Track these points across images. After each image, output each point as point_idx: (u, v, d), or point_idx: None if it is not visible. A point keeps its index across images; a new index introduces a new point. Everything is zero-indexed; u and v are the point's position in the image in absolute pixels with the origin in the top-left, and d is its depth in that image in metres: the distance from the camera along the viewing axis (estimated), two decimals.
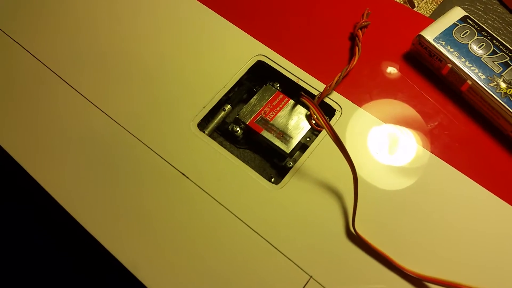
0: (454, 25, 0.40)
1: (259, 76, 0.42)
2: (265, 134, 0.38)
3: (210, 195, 0.35)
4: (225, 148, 0.38)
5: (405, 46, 0.42)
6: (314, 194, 0.35)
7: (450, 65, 0.38)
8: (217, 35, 0.43)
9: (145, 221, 0.34)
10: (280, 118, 0.39)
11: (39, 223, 0.49)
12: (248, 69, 0.41)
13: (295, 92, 0.39)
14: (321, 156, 0.37)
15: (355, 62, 0.40)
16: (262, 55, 0.41)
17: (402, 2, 0.52)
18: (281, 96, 0.40)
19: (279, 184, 0.36)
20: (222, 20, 0.43)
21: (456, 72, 0.38)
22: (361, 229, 0.33)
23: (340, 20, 0.43)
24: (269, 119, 0.39)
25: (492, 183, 0.35)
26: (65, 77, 0.40)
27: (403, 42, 0.42)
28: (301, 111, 0.39)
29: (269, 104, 0.39)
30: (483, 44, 0.39)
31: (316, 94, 0.39)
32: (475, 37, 0.39)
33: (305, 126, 0.38)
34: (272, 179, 0.37)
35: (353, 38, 0.42)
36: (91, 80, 0.40)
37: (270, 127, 0.38)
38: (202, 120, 0.39)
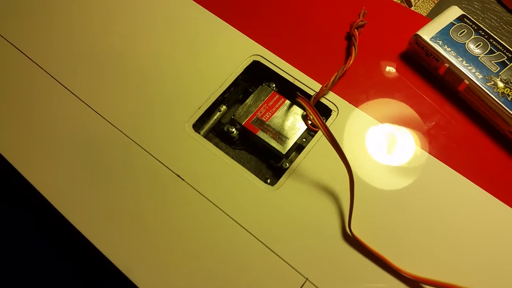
0: (451, 24, 0.39)
1: (255, 76, 0.41)
2: (261, 134, 0.38)
3: (205, 197, 0.35)
4: (220, 149, 0.38)
5: (402, 45, 0.41)
6: (310, 196, 0.35)
7: (447, 65, 0.38)
8: (212, 35, 0.42)
9: (139, 222, 0.34)
10: (276, 119, 0.38)
11: (34, 226, 0.48)
12: (244, 69, 0.41)
13: (291, 92, 0.38)
14: (317, 157, 0.36)
15: (351, 62, 0.39)
16: (258, 55, 0.41)
17: (399, 1, 0.52)
18: (277, 96, 0.39)
19: (275, 186, 0.35)
20: (218, 20, 0.43)
21: (453, 71, 0.38)
22: (358, 230, 0.33)
23: (337, 20, 0.43)
24: (265, 120, 0.38)
25: (489, 183, 0.35)
26: (59, 77, 0.40)
27: (400, 41, 0.41)
28: (297, 111, 0.39)
29: (265, 104, 0.39)
30: (480, 43, 0.38)
31: (312, 94, 0.39)
32: (472, 36, 0.39)
33: (301, 127, 0.38)
34: (268, 180, 0.37)
35: (349, 37, 0.42)
36: (85, 80, 0.40)
37: (266, 128, 0.38)
38: (197, 121, 0.38)
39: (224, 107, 0.40)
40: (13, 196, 0.49)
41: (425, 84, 0.40)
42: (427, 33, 0.39)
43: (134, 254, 0.33)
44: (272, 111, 0.39)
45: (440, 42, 0.39)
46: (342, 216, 0.34)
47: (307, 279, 0.32)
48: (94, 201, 0.35)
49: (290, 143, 0.37)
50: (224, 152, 0.37)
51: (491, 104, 0.36)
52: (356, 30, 0.41)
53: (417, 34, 0.39)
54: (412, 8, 0.53)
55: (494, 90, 0.36)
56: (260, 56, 0.41)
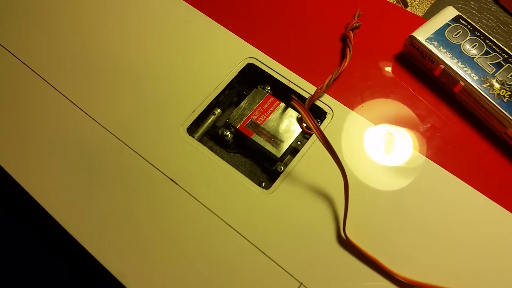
0: (447, 25, 0.39)
1: (250, 79, 0.41)
2: (256, 138, 0.38)
3: (199, 202, 0.35)
4: (215, 152, 0.37)
5: (398, 47, 0.41)
6: (305, 199, 0.34)
7: (442, 66, 0.38)
8: (206, 37, 0.42)
9: (133, 227, 0.34)
10: (270, 122, 0.38)
11: (29, 230, 0.48)
12: (239, 72, 0.40)
13: (286, 95, 0.38)
14: (312, 160, 0.36)
15: (346, 64, 0.39)
16: (252, 57, 0.41)
17: (395, 2, 0.52)
18: (272, 99, 0.39)
19: (270, 189, 0.35)
20: (212, 22, 0.43)
21: (448, 73, 0.38)
22: (352, 234, 0.33)
23: (331, 21, 0.43)
24: (259, 123, 0.38)
25: (486, 186, 0.35)
26: (51, 80, 0.40)
27: (396, 42, 0.41)
28: (292, 114, 0.39)
29: (260, 107, 0.39)
30: (476, 44, 0.38)
31: (307, 97, 0.38)
32: (468, 37, 0.38)
33: (296, 130, 0.38)
34: (263, 184, 0.37)
35: (344, 39, 0.41)
36: (77, 83, 0.40)
37: (261, 131, 0.38)
38: (191, 124, 0.38)
39: (218, 110, 0.40)
40: (6, 200, 0.49)
41: (420, 85, 0.40)
42: (422, 34, 0.39)
43: (128, 259, 0.33)
44: (267, 114, 0.39)
45: (435, 43, 0.38)
46: (337, 220, 0.34)
47: (301, 283, 0.32)
48: (87, 206, 0.35)
49: (285, 146, 0.37)
50: (219, 156, 0.37)
51: (487, 106, 0.36)
52: (351, 31, 0.41)
53: (412, 36, 0.39)
54: (408, 9, 0.53)
55: (490, 92, 0.36)
56: (255, 58, 0.41)
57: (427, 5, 0.53)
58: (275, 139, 0.37)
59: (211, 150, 0.37)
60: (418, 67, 0.40)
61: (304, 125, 0.38)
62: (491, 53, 0.38)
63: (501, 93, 0.36)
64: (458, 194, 0.34)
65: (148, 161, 0.36)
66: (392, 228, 0.33)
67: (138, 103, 0.39)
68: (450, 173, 0.35)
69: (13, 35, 0.42)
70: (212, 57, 0.41)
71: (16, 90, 0.40)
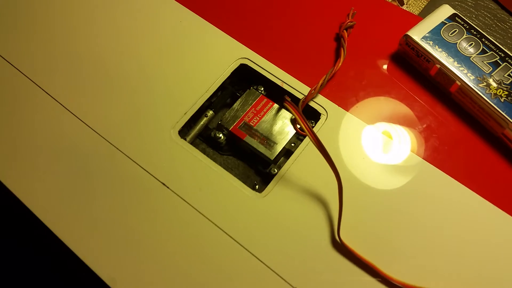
0: (442, 23, 0.38)
1: (243, 80, 0.41)
2: (249, 140, 0.37)
3: (191, 206, 0.34)
4: (208, 155, 0.37)
5: (393, 46, 0.40)
6: (299, 202, 0.34)
7: (438, 66, 0.37)
8: (198, 38, 0.41)
9: (123, 232, 0.33)
10: (264, 123, 0.38)
11: (21, 235, 0.48)
12: (231, 73, 0.40)
13: (280, 96, 0.38)
14: (306, 162, 0.35)
15: (340, 64, 0.38)
16: (245, 58, 0.40)
17: (390, 0, 0.51)
18: (265, 100, 0.39)
19: (263, 192, 0.35)
20: (204, 22, 0.42)
21: (444, 72, 0.37)
22: (347, 237, 0.32)
23: (325, 21, 0.42)
24: (252, 125, 0.37)
25: (483, 187, 0.34)
26: (40, 83, 0.39)
27: (391, 42, 0.40)
28: (285, 115, 0.38)
29: (253, 108, 0.38)
30: (472, 43, 0.37)
31: (300, 98, 0.38)
32: (464, 36, 0.38)
33: (290, 131, 0.37)
34: (257, 186, 0.36)
35: (338, 39, 0.41)
36: (67, 86, 0.39)
37: (254, 133, 0.37)
38: (183, 127, 0.37)
39: (211, 112, 0.39)
40: None
41: (416, 85, 0.39)
42: (417, 33, 0.38)
43: (118, 265, 0.32)
44: (260, 115, 0.38)
45: (431, 42, 0.38)
46: (331, 223, 0.33)
47: None
48: (77, 211, 0.34)
49: (279, 148, 0.37)
50: (211, 159, 0.36)
51: (484, 106, 0.36)
52: (345, 31, 0.40)
53: (407, 35, 0.38)
54: (404, 7, 0.52)
55: (487, 91, 0.36)
56: (248, 59, 0.40)
57: (423, 3, 0.53)
58: (268, 141, 0.37)
59: (204, 153, 0.37)
60: (413, 67, 0.40)
61: (298, 126, 0.37)
62: (487, 52, 0.37)
63: (498, 93, 0.35)
64: (454, 195, 0.34)
65: (139, 165, 0.35)
66: (387, 231, 0.33)
67: (129, 106, 0.38)
68: (446, 174, 0.35)
69: (2, 37, 0.42)
70: (204, 58, 0.40)
71: (3, 92, 0.39)
